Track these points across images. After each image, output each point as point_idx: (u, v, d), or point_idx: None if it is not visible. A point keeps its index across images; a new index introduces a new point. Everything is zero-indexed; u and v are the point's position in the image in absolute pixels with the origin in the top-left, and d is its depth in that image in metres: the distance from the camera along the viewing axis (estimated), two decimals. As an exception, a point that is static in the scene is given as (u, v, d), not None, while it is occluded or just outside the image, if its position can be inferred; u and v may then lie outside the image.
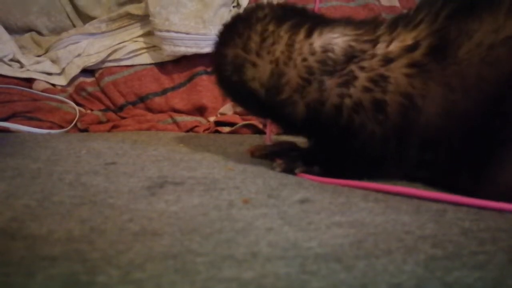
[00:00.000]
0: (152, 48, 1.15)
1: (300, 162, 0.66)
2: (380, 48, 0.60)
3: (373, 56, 0.60)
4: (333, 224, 0.46)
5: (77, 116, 1.04)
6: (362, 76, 0.60)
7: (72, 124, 1.02)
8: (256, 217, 0.47)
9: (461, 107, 0.57)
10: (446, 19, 0.59)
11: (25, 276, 0.33)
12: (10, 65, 1.12)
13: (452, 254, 0.40)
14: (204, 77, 1.14)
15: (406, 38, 0.60)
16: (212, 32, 1.09)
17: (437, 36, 0.58)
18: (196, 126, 1.07)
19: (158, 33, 1.08)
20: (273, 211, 0.49)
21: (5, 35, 1.14)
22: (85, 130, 1.04)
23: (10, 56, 1.12)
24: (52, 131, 0.99)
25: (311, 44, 0.61)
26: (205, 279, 0.34)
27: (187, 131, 1.06)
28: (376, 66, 0.60)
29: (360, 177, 0.62)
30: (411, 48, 0.59)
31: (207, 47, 1.09)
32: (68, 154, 0.73)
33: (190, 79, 1.14)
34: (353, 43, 0.61)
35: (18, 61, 1.13)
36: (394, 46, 0.60)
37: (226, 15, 1.12)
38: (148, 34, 1.15)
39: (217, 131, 1.04)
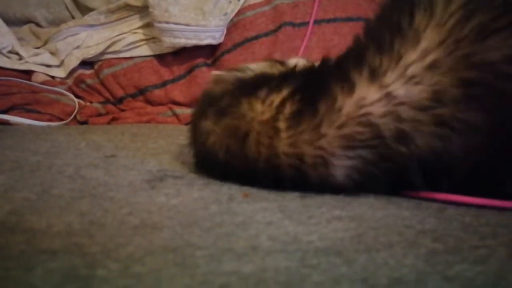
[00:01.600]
0: (152, 39, 1.14)
1: None
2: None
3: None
4: (333, 218, 0.46)
5: (77, 109, 1.04)
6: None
7: (72, 117, 1.02)
8: (256, 211, 0.47)
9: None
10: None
11: (25, 270, 0.33)
12: (8, 57, 1.11)
13: (453, 248, 0.39)
14: (204, 69, 1.13)
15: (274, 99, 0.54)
16: (212, 23, 1.08)
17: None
18: (196, 119, 1.06)
19: (158, 25, 1.08)
20: (273, 205, 0.49)
21: (4, 27, 1.13)
22: (84, 123, 1.03)
23: (9, 48, 1.11)
24: (52, 124, 0.99)
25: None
26: (205, 273, 0.34)
27: (187, 123, 1.06)
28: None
29: None
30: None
31: (207, 39, 1.09)
32: (67, 147, 0.73)
33: (190, 71, 1.14)
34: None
35: (17, 53, 1.13)
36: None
37: (225, 6, 1.12)
38: (148, 25, 1.14)
39: (217, 124, 1.04)
